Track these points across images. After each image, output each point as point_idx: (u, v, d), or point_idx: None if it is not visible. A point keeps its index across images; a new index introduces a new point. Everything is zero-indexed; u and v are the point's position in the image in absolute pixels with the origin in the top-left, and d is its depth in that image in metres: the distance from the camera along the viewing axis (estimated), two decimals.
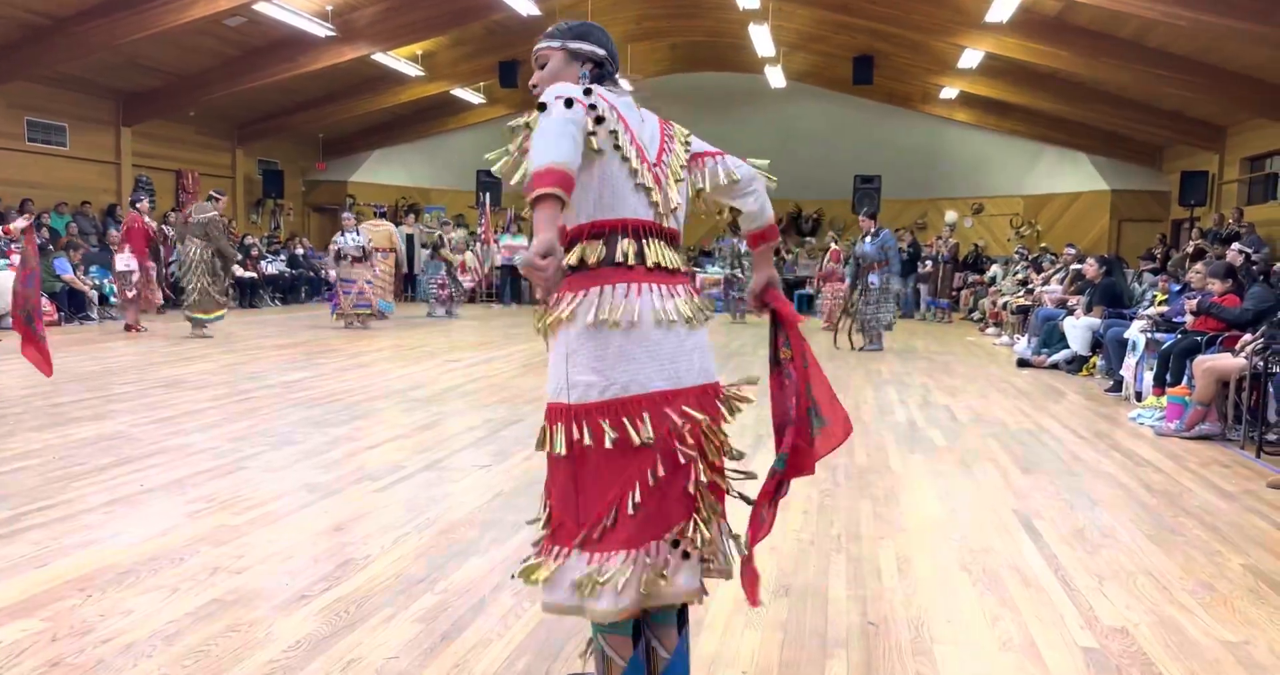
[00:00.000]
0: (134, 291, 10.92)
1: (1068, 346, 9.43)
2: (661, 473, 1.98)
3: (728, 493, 2.19)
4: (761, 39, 14.30)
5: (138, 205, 11.45)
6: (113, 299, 11.40)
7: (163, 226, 12.40)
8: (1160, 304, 8.20)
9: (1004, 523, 3.99)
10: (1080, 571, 3.38)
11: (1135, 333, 7.57)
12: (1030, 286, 13.11)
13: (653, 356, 2.04)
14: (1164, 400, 6.43)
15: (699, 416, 2.06)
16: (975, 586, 3.21)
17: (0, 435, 5.14)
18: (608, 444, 1.96)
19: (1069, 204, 19.06)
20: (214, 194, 10.69)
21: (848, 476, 4.74)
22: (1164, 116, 15.67)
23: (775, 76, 17.32)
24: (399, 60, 15.40)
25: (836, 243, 14.85)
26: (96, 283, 12.44)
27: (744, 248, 15.11)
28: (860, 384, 8.16)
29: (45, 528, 3.55)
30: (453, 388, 7.26)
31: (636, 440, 1.96)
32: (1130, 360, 7.58)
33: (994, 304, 14.22)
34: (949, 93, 17.65)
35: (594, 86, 2.12)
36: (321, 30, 13.12)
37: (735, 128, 20.66)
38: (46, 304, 11.48)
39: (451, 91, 18.28)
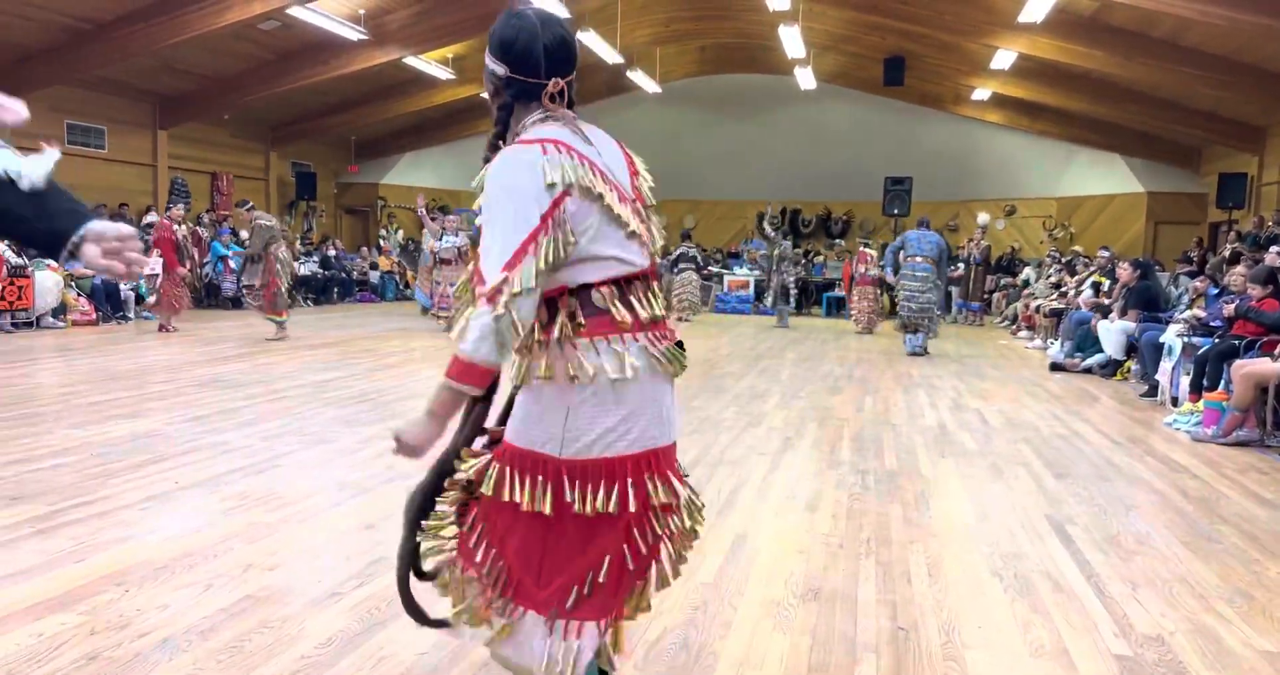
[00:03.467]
0: (154, 297, 11.13)
1: (1101, 350, 9.32)
2: (641, 547, 1.85)
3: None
4: (791, 40, 14.25)
5: (170, 212, 11.66)
6: (148, 299, 11.58)
7: (196, 229, 12.58)
8: (1196, 307, 8.08)
9: (1036, 528, 3.95)
10: (1114, 578, 3.34)
11: (1171, 336, 7.47)
12: (1064, 290, 12.97)
13: (653, 412, 1.89)
14: (1201, 405, 6.34)
15: (681, 490, 1.95)
16: (1007, 592, 3.18)
17: (39, 432, 5.23)
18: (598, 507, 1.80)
19: (1103, 206, 18.83)
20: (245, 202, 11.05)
21: (877, 480, 4.71)
22: (1201, 117, 15.44)
23: (805, 78, 17.26)
24: (430, 63, 15.50)
25: (868, 245, 14.74)
26: (135, 284, 12.63)
27: (778, 252, 15.13)
28: (890, 387, 8.11)
29: (83, 523, 3.61)
30: None
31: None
32: (1166, 364, 7.47)
33: (1026, 307, 14.08)
34: (981, 94, 17.50)
35: (548, 138, 1.81)
36: (354, 34, 13.24)
37: (764, 130, 20.64)
38: (85, 304, 11.71)
39: (482, 94, 18.33)
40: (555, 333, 1.81)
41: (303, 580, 3.08)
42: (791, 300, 15.66)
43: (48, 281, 11.06)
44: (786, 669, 2.56)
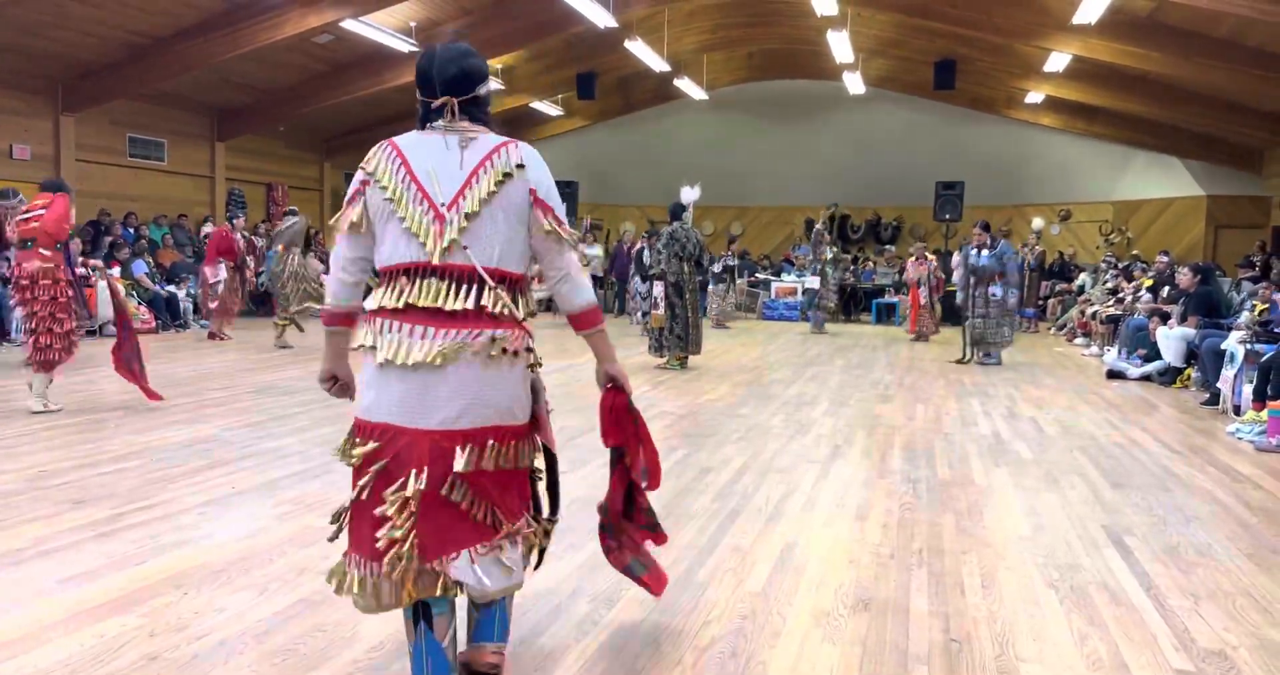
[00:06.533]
0: (216, 302, 11.34)
1: (1160, 357, 9.11)
2: None
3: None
4: (840, 45, 14.16)
5: (234, 221, 11.94)
6: (211, 304, 11.81)
7: (252, 238, 12.84)
8: (1261, 314, 7.85)
9: (1093, 539, 3.87)
10: (1174, 591, 3.26)
11: (1233, 343, 7.28)
12: (1120, 295, 12.70)
13: (394, 391, 2.25)
14: (1265, 414, 6.16)
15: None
16: (1063, 604, 3.11)
17: (102, 438, 5.37)
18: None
19: (1162, 210, 18.41)
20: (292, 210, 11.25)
21: (929, 489, 4.65)
22: (1264, 118, 15.02)
23: (854, 83, 17.14)
24: None
25: (925, 248, 14.47)
26: (193, 292, 12.93)
27: (830, 254, 14.98)
28: (943, 395, 8.01)
29: (144, 527, 3.70)
30: None
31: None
32: (1228, 372, 7.28)
33: (1083, 313, 13.81)
34: (1034, 97, 17.22)
35: (398, 137, 2.33)
36: (405, 46, 13.43)
37: (813, 135, 20.53)
38: (144, 312, 12.00)
39: (530, 104, 18.53)
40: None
41: None
42: (831, 303, 15.39)
43: (109, 291, 11.35)
44: None
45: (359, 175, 2.31)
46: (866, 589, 3.21)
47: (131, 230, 13.47)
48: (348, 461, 2.28)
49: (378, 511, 2.17)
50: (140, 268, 12.58)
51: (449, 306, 2.19)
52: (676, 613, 2.95)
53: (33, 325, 6.05)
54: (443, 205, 2.22)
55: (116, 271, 11.94)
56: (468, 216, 2.21)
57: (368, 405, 2.25)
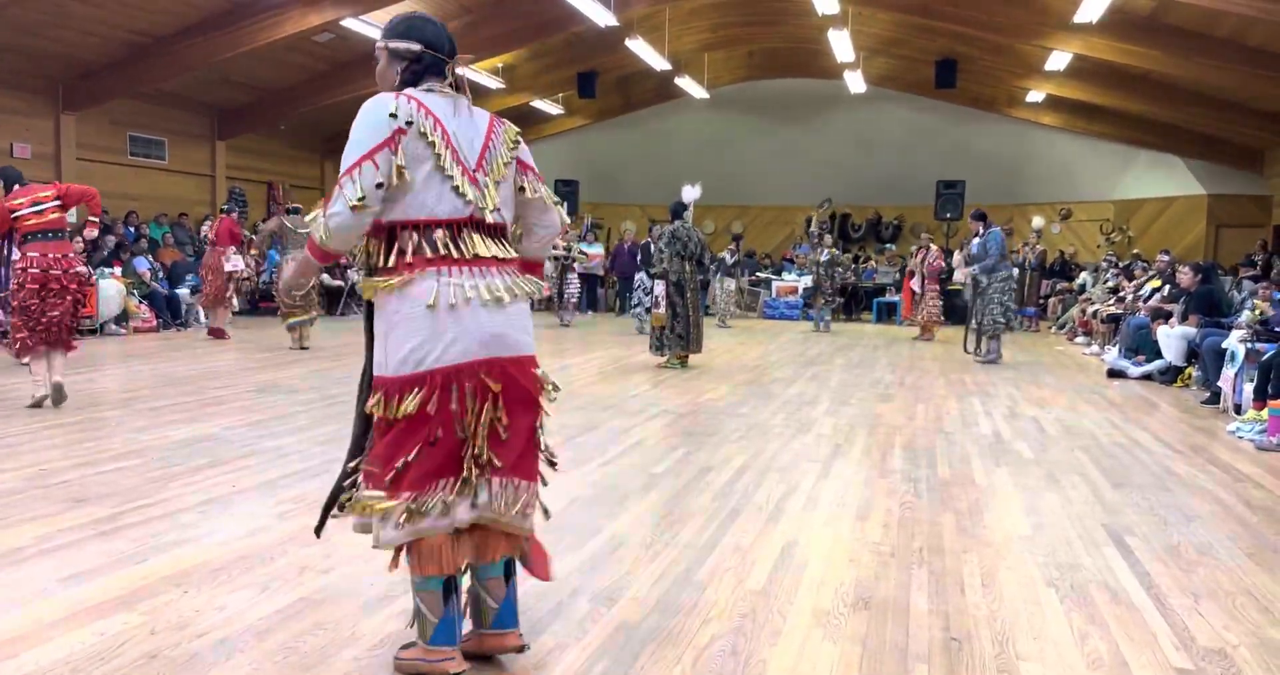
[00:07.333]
0: (230, 292, 11.27)
1: (1160, 356, 9.11)
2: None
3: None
4: (841, 44, 14.16)
5: (232, 214, 11.88)
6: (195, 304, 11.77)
7: (253, 237, 12.84)
8: (1261, 314, 7.85)
9: (1093, 538, 3.87)
10: (1175, 590, 3.26)
11: (1234, 342, 7.28)
12: (1121, 295, 12.69)
13: (463, 330, 2.33)
14: (1265, 413, 6.16)
15: (493, 385, 2.37)
16: (1063, 603, 3.12)
17: (103, 436, 5.37)
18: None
19: (1163, 209, 18.41)
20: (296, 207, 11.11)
21: (929, 489, 4.65)
22: (1265, 118, 15.02)
23: (855, 82, 17.13)
24: (480, 73, 15.66)
25: (932, 242, 14.42)
26: (194, 286, 12.92)
27: (825, 256, 14.98)
28: (944, 394, 8.01)
29: (144, 525, 3.70)
30: None
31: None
32: (1229, 371, 7.28)
33: (1083, 312, 13.80)
34: (1035, 96, 17.22)
35: (409, 92, 2.36)
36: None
37: (814, 134, 20.53)
38: (145, 311, 12.00)
39: (531, 103, 18.53)
40: (383, 262, 2.34)
41: (356, 583, 3.12)
42: (833, 301, 15.40)
43: (110, 290, 11.37)
44: None
45: (386, 121, 2.28)
46: (867, 588, 3.21)
47: (132, 229, 13.48)
48: (391, 415, 2.33)
49: (459, 435, 2.34)
50: (142, 264, 12.59)
51: (497, 254, 2.41)
52: (676, 612, 2.95)
53: None
54: (471, 166, 2.39)
55: (119, 270, 11.97)
56: (497, 182, 2.44)
57: (422, 355, 2.31)
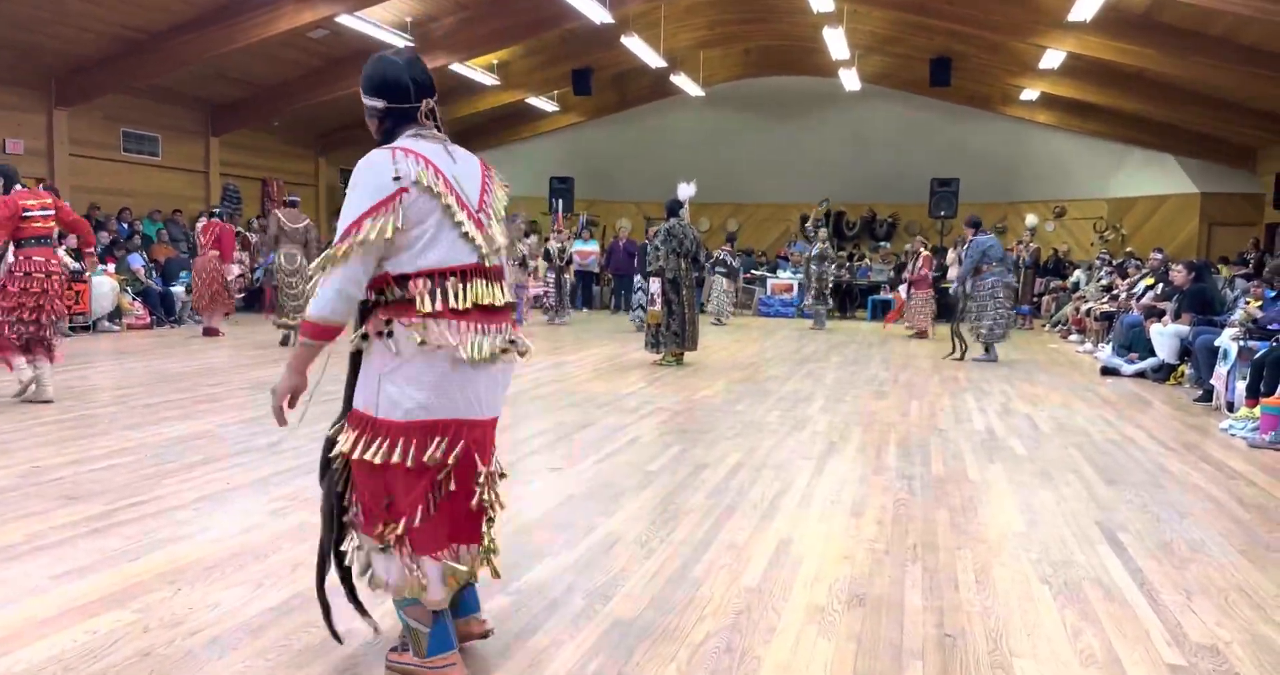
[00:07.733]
0: (228, 292, 11.24)
1: (1153, 354, 9.13)
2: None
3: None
4: (836, 42, 14.15)
5: (225, 217, 11.79)
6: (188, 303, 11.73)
7: (246, 234, 12.79)
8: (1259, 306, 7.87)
9: (1087, 535, 3.88)
10: (1167, 586, 3.27)
11: (1227, 340, 7.30)
12: (1115, 293, 12.72)
13: (465, 387, 2.32)
14: (1258, 411, 6.18)
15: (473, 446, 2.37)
16: (1056, 599, 3.12)
17: (96, 434, 5.36)
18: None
19: (1155, 207, 18.45)
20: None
21: (924, 486, 4.66)
22: (1258, 117, 15.06)
23: (850, 79, 17.13)
24: (475, 70, 15.63)
25: (926, 247, 14.46)
26: (189, 285, 12.89)
27: (815, 251, 14.98)
28: (938, 391, 8.02)
29: (137, 523, 3.69)
30: (523, 392, 7.33)
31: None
32: (1221, 369, 7.30)
33: (1077, 310, 13.83)
34: (1030, 94, 17.24)
35: (404, 145, 2.30)
36: (400, 41, 13.39)
37: (809, 132, 20.52)
38: (139, 308, 11.97)
39: (526, 100, 18.50)
40: (382, 312, 2.31)
41: None
42: (829, 300, 15.44)
43: (104, 286, 11.33)
44: None
45: (389, 184, 2.23)
46: (861, 584, 3.22)
47: (126, 226, 13.44)
48: (398, 460, 2.31)
49: (475, 499, 2.38)
50: (136, 261, 12.55)
51: (497, 303, 2.38)
52: (671, 608, 2.95)
53: None
54: (475, 209, 2.39)
55: (111, 267, 11.93)
56: (495, 224, 2.44)
57: (428, 404, 2.30)
